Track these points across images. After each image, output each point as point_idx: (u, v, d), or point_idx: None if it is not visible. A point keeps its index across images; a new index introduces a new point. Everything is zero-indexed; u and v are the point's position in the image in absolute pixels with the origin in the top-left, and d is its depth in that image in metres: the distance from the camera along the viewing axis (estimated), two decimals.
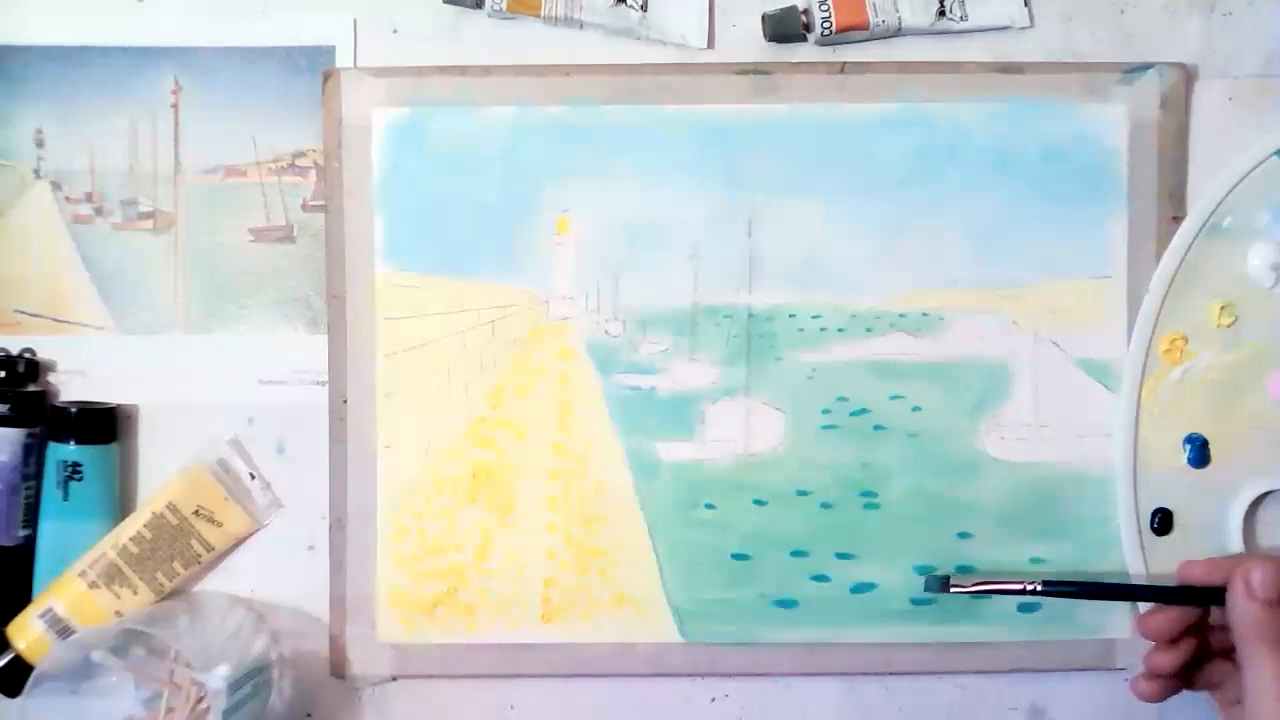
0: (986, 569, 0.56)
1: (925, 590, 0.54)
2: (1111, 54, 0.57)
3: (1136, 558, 0.55)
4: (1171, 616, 0.50)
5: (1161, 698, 0.51)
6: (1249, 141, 0.57)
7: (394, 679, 0.58)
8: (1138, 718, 0.58)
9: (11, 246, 0.58)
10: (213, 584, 0.58)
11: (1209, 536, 0.56)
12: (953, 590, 0.53)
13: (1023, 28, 0.57)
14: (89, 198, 0.58)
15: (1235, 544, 0.56)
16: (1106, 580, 0.55)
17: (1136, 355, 0.56)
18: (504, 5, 0.57)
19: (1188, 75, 0.57)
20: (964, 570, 0.56)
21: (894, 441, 0.56)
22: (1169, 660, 0.50)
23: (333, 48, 0.58)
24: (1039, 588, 0.51)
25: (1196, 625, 0.50)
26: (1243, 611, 0.47)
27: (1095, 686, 0.58)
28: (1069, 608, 0.57)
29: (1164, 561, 0.56)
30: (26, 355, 0.58)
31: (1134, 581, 0.55)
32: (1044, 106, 0.56)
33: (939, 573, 0.54)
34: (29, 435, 0.56)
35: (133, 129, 0.58)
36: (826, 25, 0.56)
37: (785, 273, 0.57)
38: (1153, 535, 0.56)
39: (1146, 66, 0.56)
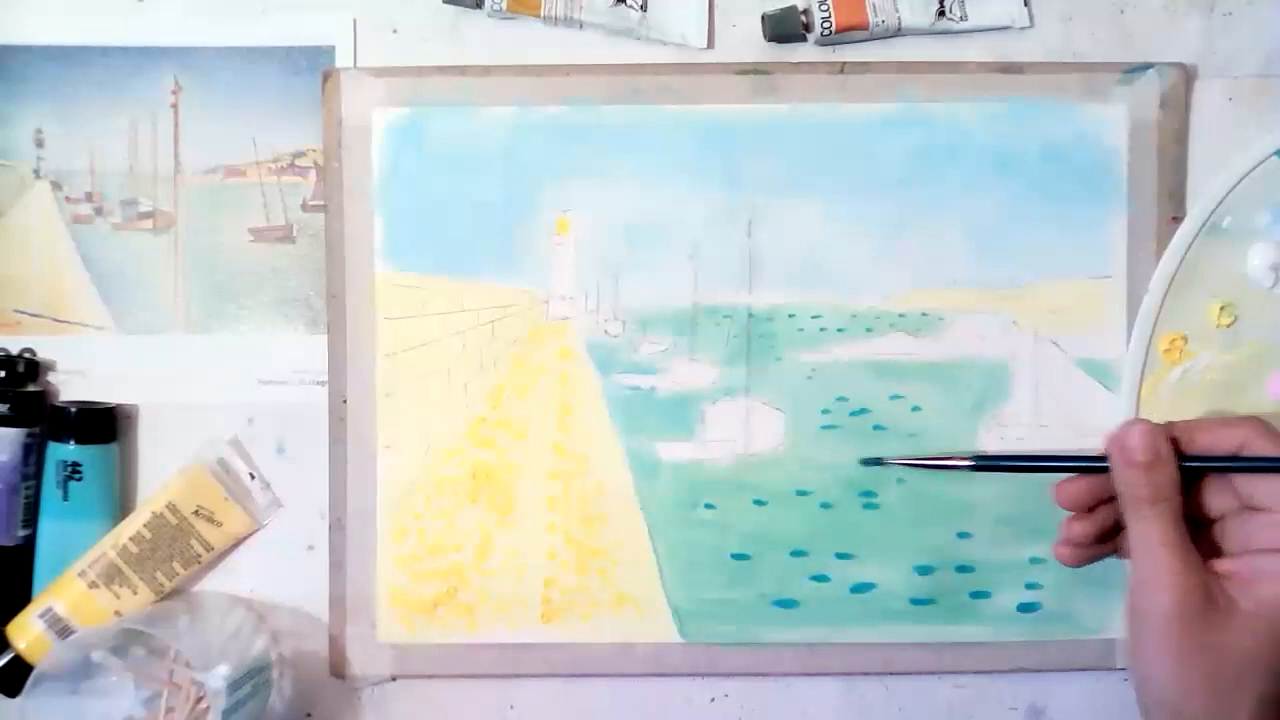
0: (986, 568, 0.56)
1: (862, 464, 0.54)
2: (1111, 54, 0.57)
3: None
4: (1082, 485, 0.49)
5: (1081, 563, 0.50)
6: (1249, 141, 0.57)
7: (394, 679, 0.58)
8: (1137, 718, 0.58)
9: (11, 246, 0.58)
10: (213, 584, 0.58)
11: None
12: (886, 464, 0.53)
13: (1023, 28, 0.57)
14: (89, 198, 0.58)
15: None
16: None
17: (1136, 355, 0.56)
18: (504, 5, 0.57)
19: (1188, 75, 0.57)
20: (964, 570, 0.56)
21: (894, 441, 0.56)
22: (1082, 528, 0.49)
23: (333, 48, 0.58)
24: (971, 463, 0.51)
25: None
26: (1122, 475, 0.47)
27: (1095, 686, 0.58)
28: (1069, 608, 0.57)
29: None
30: (26, 355, 0.58)
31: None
32: (1044, 106, 0.56)
33: (873, 456, 0.54)
34: (29, 435, 0.56)
35: (133, 129, 0.58)
36: (826, 25, 0.56)
37: (785, 273, 0.57)
38: None
39: (1146, 66, 0.56)
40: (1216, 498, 0.48)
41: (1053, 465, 0.51)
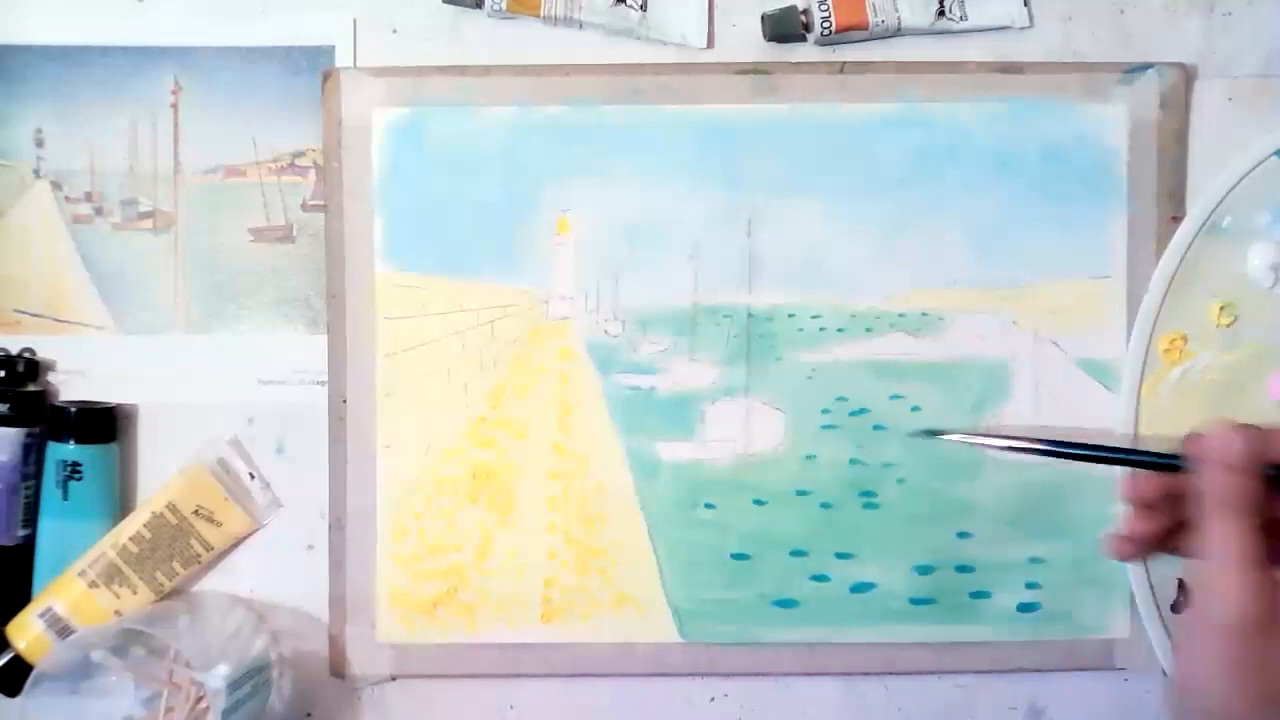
0: (986, 568, 0.56)
1: (911, 436, 0.54)
2: (1111, 54, 0.57)
3: None
4: (1157, 484, 0.48)
5: (1137, 559, 0.49)
6: (1249, 141, 0.57)
7: (394, 679, 0.58)
8: (1137, 718, 0.58)
9: (11, 246, 0.58)
10: (213, 584, 0.58)
11: None
12: (943, 437, 0.49)
13: (1023, 28, 0.57)
14: (89, 198, 0.58)
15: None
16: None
17: (1136, 355, 0.56)
18: (504, 5, 0.57)
19: (1187, 75, 0.57)
20: (964, 570, 0.56)
21: (894, 441, 0.56)
22: (1145, 525, 0.48)
23: (333, 48, 0.58)
24: (1042, 447, 0.47)
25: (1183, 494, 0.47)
26: (1207, 476, 0.45)
27: (1095, 686, 0.58)
28: (1069, 608, 0.57)
29: (1163, 562, 0.56)
30: (26, 355, 0.58)
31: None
32: (1044, 106, 0.56)
33: (929, 428, 0.51)
34: (29, 435, 0.56)
35: (133, 129, 0.58)
36: (826, 25, 0.56)
37: (785, 273, 0.57)
38: None
39: (1146, 66, 0.56)
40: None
41: (1128, 459, 0.49)
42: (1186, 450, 0.46)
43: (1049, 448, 0.48)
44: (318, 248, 0.58)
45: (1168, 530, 0.48)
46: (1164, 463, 0.47)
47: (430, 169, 0.57)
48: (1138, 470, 0.48)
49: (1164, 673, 0.56)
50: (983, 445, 0.50)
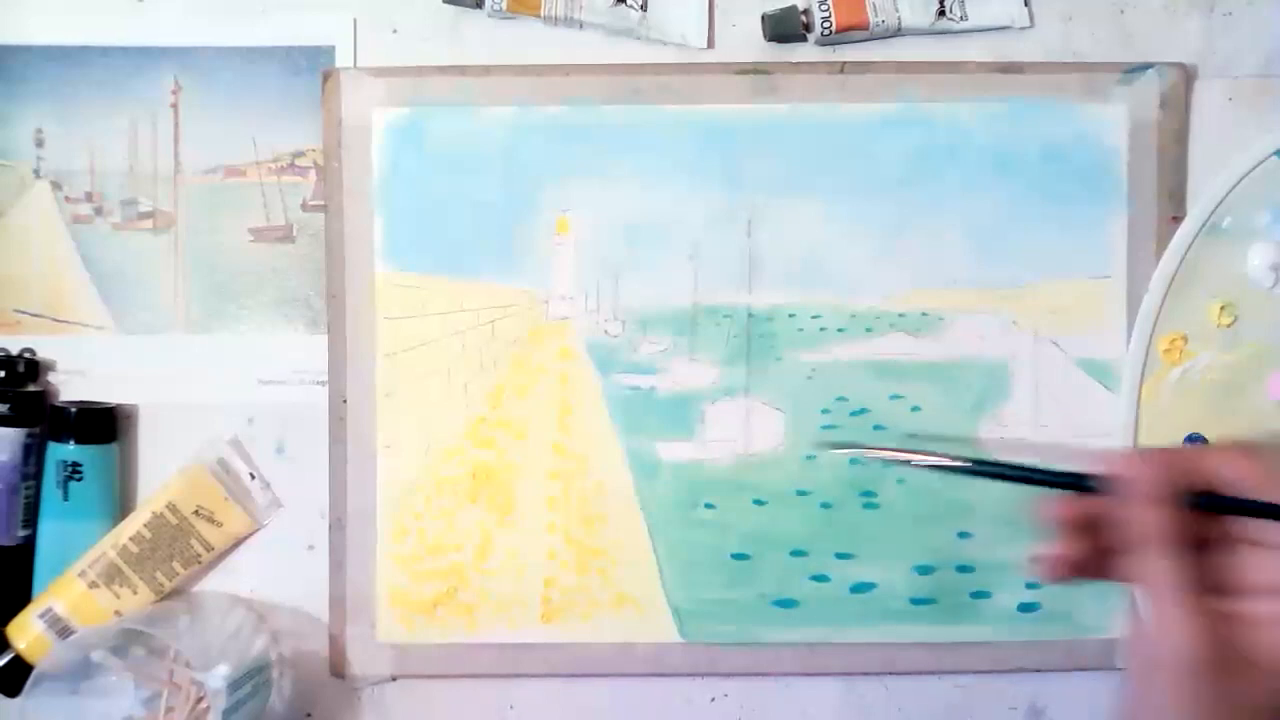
0: (986, 568, 0.56)
1: (830, 449, 0.53)
2: (1111, 54, 0.57)
3: None
4: (1079, 507, 0.45)
5: (1065, 583, 0.46)
6: (1249, 141, 0.57)
7: (394, 679, 0.58)
8: None
9: (11, 246, 0.58)
10: (213, 584, 0.58)
11: None
12: (859, 454, 0.50)
13: (1023, 28, 0.57)
14: (89, 198, 0.58)
15: None
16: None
17: (1136, 355, 0.56)
18: (504, 5, 0.57)
19: (1188, 75, 0.57)
20: (964, 570, 0.56)
21: (894, 441, 0.56)
22: (1074, 549, 0.45)
23: (333, 48, 0.58)
24: (969, 465, 0.45)
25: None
26: (1130, 511, 0.43)
27: (1095, 686, 0.57)
28: (1069, 608, 0.57)
29: None
30: (26, 355, 0.58)
31: None
32: (1044, 106, 0.56)
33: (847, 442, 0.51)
34: (29, 435, 0.56)
35: (133, 129, 0.58)
36: (826, 25, 0.56)
37: (785, 273, 0.57)
38: None
39: (1146, 66, 0.56)
40: (1217, 526, 0.44)
41: (1050, 481, 0.47)
42: (1104, 476, 0.44)
43: (973, 466, 0.46)
44: (318, 248, 0.58)
45: (1097, 554, 0.46)
46: (1081, 485, 0.45)
47: (430, 169, 0.57)
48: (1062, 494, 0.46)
49: None
50: (894, 460, 0.47)
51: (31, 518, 0.56)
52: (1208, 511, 0.43)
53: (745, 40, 0.58)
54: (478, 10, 0.57)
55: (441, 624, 0.57)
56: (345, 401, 0.57)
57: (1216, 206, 0.56)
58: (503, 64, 0.57)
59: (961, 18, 0.57)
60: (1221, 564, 0.44)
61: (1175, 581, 0.42)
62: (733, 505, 0.56)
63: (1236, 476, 0.43)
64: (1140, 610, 0.43)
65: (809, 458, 0.56)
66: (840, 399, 0.57)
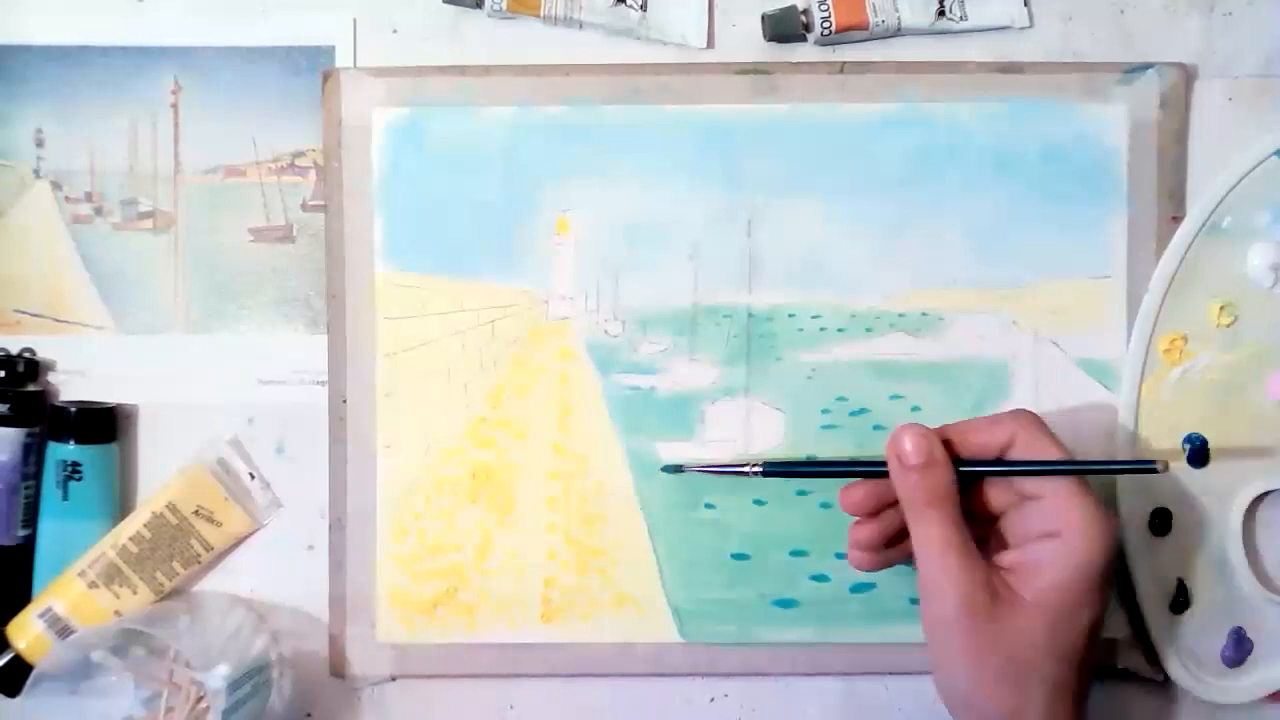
0: None
1: (664, 471, 0.56)
2: (1111, 54, 0.57)
3: (1136, 557, 0.55)
4: (865, 490, 0.51)
5: (874, 568, 0.52)
6: (1249, 141, 0.57)
7: (394, 679, 0.58)
8: (1137, 718, 0.58)
9: (11, 246, 0.58)
10: (213, 584, 0.58)
11: (1208, 536, 0.56)
12: (685, 471, 0.55)
13: (1023, 28, 0.57)
14: (89, 198, 0.58)
15: (1235, 544, 0.56)
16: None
17: (1136, 355, 0.56)
18: (504, 5, 0.57)
19: (1188, 75, 0.57)
20: None
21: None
22: (867, 532, 0.51)
23: (333, 48, 0.58)
24: (760, 470, 0.53)
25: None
26: (899, 480, 0.48)
27: (1095, 686, 0.57)
28: None
29: (1164, 562, 0.56)
30: (26, 355, 0.58)
31: None
32: (1044, 106, 0.56)
33: (674, 463, 0.56)
34: (29, 435, 0.56)
35: (133, 129, 0.58)
36: (826, 25, 0.56)
37: (785, 273, 0.57)
38: (1152, 535, 0.56)
39: (1146, 66, 0.56)
40: (997, 495, 0.50)
41: (836, 471, 0.53)
42: (881, 457, 0.50)
43: (768, 469, 0.53)
44: (318, 248, 0.58)
45: (892, 535, 0.51)
46: (869, 471, 0.51)
47: (430, 169, 0.57)
48: (851, 480, 0.52)
49: (1164, 674, 0.56)
50: (713, 472, 0.55)
51: (31, 518, 0.56)
52: (966, 472, 0.48)
53: (745, 40, 0.58)
54: (478, 10, 0.57)
55: (441, 624, 0.57)
56: (345, 401, 0.57)
57: (1216, 206, 0.56)
58: (503, 64, 0.57)
59: (961, 18, 0.57)
60: (1011, 524, 0.49)
61: (940, 538, 0.47)
62: (733, 505, 0.56)
63: (1000, 440, 0.49)
64: (918, 568, 0.48)
65: (809, 458, 0.56)
66: (840, 399, 0.57)
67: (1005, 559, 0.48)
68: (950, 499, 0.48)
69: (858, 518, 0.52)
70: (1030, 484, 0.48)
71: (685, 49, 0.57)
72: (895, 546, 0.52)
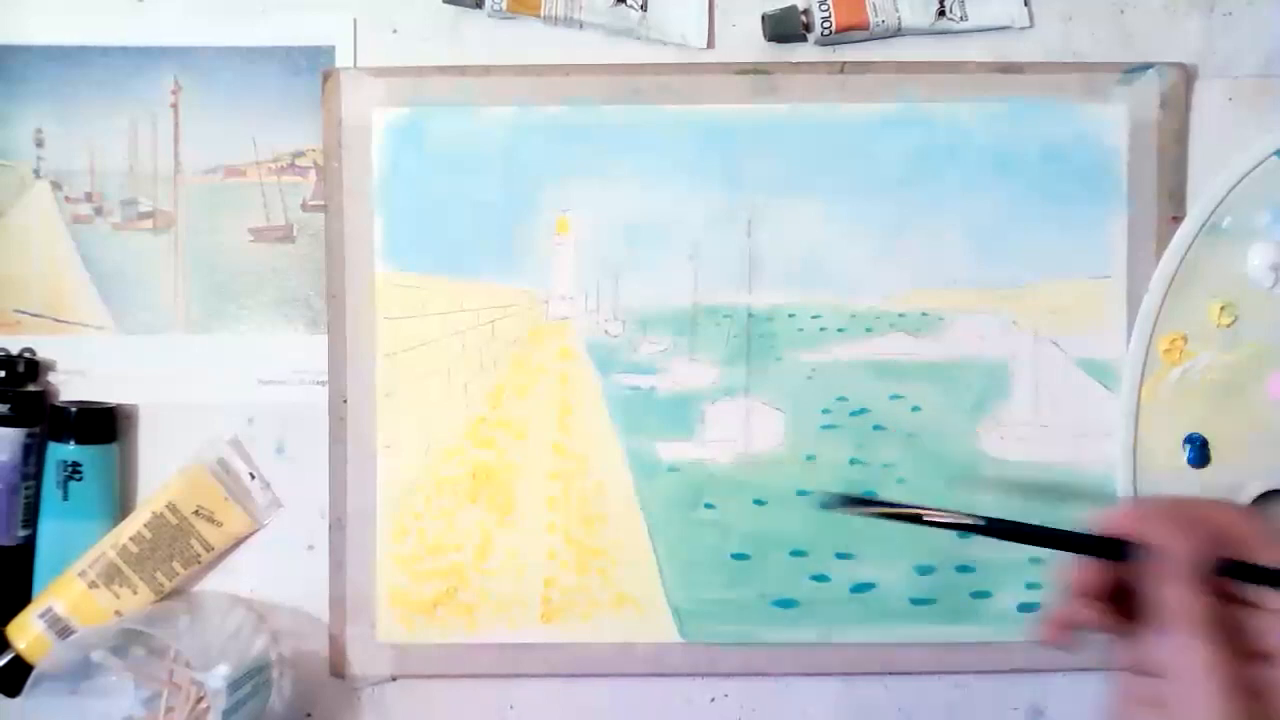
0: (986, 568, 0.56)
1: (822, 508, 0.46)
2: (1111, 54, 0.57)
3: None
4: (1101, 574, 0.43)
5: (1070, 647, 0.43)
6: (1249, 141, 0.57)
7: (394, 679, 0.58)
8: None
9: (11, 246, 0.58)
10: (213, 584, 0.58)
11: None
12: (852, 511, 0.46)
13: (1023, 28, 0.57)
14: (89, 198, 0.58)
15: None
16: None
17: (1136, 355, 0.56)
18: (504, 5, 0.57)
19: (1188, 75, 0.57)
20: (964, 570, 0.56)
21: (894, 441, 0.56)
22: (1085, 615, 0.43)
23: (333, 48, 0.58)
24: (984, 523, 0.43)
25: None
26: (1164, 589, 0.41)
27: (1095, 686, 0.57)
28: None
29: None
30: (26, 355, 0.58)
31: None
32: (1044, 106, 0.56)
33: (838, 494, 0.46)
34: (29, 435, 0.56)
35: (133, 129, 0.58)
36: (826, 25, 0.56)
37: (785, 273, 0.57)
38: None
39: (1146, 66, 0.56)
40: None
41: (1073, 544, 0.44)
42: (1133, 545, 0.42)
43: (992, 525, 0.44)
44: (318, 248, 0.58)
45: (1117, 619, 0.43)
46: (1113, 551, 0.42)
47: (430, 169, 0.57)
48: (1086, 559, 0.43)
49: None
50: (903, 517, 0.44)
51: (31, 518, 0.56)
52: (1231, 578, 0.41)
53: (745, 40, 0.58)
54: (478, 10, 0.57)
55: (441, 624, 0.57)
56: (345, 401, 0.57)
57: (1216, 206, 0.56)
58: (503, 64, 0.57)
59: (961, 18, 0.57)
60: (1238, 628, 0.41)
61: (1211, 664, 0.40)
62: (733, 505, 0.56)
63: (1243, 539, 0.41)
64: (1166, 690, 0.40)
65: (809, 458, 0.56)
66: (840, 399, 0.57)
67: (1268, 675, 0.40)
68: (1219, 617, 0.40)
69: (1079, 596, 0.43)
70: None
71: (685, 49, 0.57)
72: (1104, 628, 0.43)
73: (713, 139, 0.56)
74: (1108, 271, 0.57)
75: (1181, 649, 0.41)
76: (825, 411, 0.57)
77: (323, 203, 0.57)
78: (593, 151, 0.57)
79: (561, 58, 0.57)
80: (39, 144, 0.58)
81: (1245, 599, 0.41)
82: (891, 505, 0.44)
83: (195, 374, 0.58)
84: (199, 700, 0.54)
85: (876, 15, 0.56)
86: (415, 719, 0.58)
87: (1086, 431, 0.56)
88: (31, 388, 0.57)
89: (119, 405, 0.57)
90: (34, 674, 0.52)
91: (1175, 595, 0.41)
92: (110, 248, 0.58)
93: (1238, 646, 0.41)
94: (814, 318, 0.57)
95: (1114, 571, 0.43)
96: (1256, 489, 0.56)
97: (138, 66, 0.58)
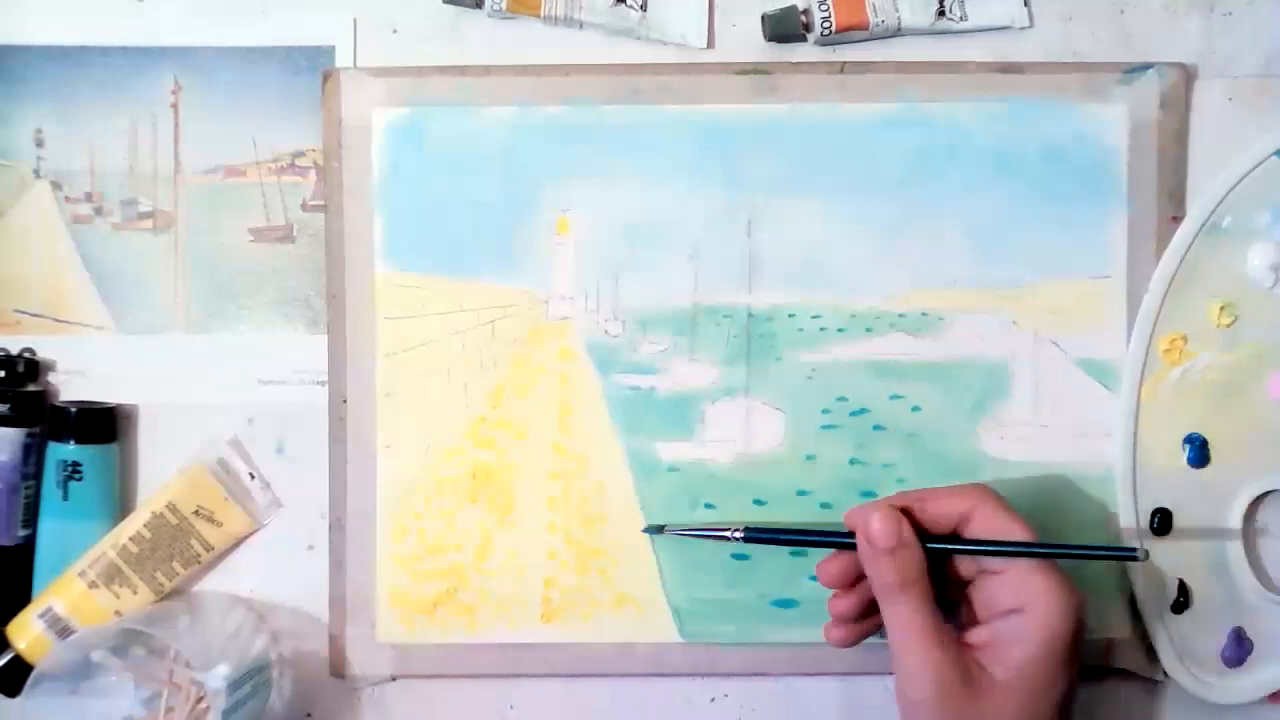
0: None
1: (645, 533, 0.56)
2: (1111, 54, 0.57)
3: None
4: (843, 563, 0.50)
5: (851, 643, 0.52)
6: (1249, 141, 0.57)
7: (394, 679, 0.58)
8: (1137, 718, 0.58)
9: (11, 246, 0.58)
10: (213, 584, 0.58)
11: (1208, 536, 0.56)
12: (666, 534, 0.55)
13: (1023, 28, 0.57)
14: (89, 198, 0.58)
15: (1235, 544, 0.56)
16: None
17: (1136, 355, 0.56)
18: (504, 5, 0.57)
19: (1188, 75, 0.57)
20: None
21: (894, 441, 0.56)
22: (846, 605, 0.51)
23: (333, 48, 0.58)
24: (741, 535, 0.52)
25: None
26: (869, 562, 0.48)
27: (1095, 686, 0.57)
28: None
29: (1164, 563, 0.56)
30: (26, 355, 0.58)
31: None
32: (1044, 106, 0.56)
33: (655, 523, 0.56)
34: (29, 435, 0.56)
35: (133, 129, 0.58)
36: (826, 25, 0.56)
37: (785, 273, 0.57)
38: (1152, 535, 0.56)
39: (1146, 66, 0.56)
40: (964, 565, 0.50)
41: (813, 541, 0.52)
42: (848, 522, 0.49)
43: (749, 535, 0.52)
44: (318, 248, 0.58)
45: (869, 606, 0.51)
46: (843, 543, 0.50)
47: (430, 169, 0.57)
48: (828, 553, 0.51)
49: (1164, 674, 0.56)
50: (695, 536, 0.55)
51: (31, 518, 0.56)
52: (935, 552, 0.48)
53: (745, 40, 0.58)
54: (478, 10, 0.57)
55: (441, 624, 0.57)
56: (345, 401, 0.57)
57: (1216, 206, 0.56)
58: (503, 64, 0.57)
59: (961, 18, 0.57)
60: (977, 596, 0.49)
61: (911, 621, 0.47)
62: (733, 505, 0.56)
63: (966, 517, 0.48)
64: (890, 646, 0.47)
65: (809, 458, 0.56)
66: (840, 399, 0.57)
67: (975, 636, 0.47)
68: (921, 580, 0.47)
69: (835, 590, 0.51)
70: (993, 559, 0.48)
71: (685, 49, 0.57)
72: (869, 619, 0.51)
73: (713, 139, 0.56)
74: (1108, 271, 0.57)
75: (886, 611, 0.48)
76: (825, 411, 0.57)
77: (323, 203, 0.57)
78: (593, 151, 0.57)
79: (561, 58, 0.57)
80: (39, 144, 0.58)
81: (988, 569, 0.48)
82: (687, 528, 0.55)
83: (195, 374, 0.58)
84: (199, 700, 0.54)
85: (876, 15, 0.56)
86: (415, 719, 0.58)
87: (1086, 431, 0.56)
88: (31, 388, 0.57)
89: (119, 405, 0.57)
90: (34, 674, 0.52)
91: (870, 564, 0.48)
92: (110, 248, 0.58)
93: (974, 611, 0.49)
94: (814, 318, 0.57)
95: (857, 563, 0.50)
96: (1256, 489, 0.56)
97: (138, 66, 0.58)
